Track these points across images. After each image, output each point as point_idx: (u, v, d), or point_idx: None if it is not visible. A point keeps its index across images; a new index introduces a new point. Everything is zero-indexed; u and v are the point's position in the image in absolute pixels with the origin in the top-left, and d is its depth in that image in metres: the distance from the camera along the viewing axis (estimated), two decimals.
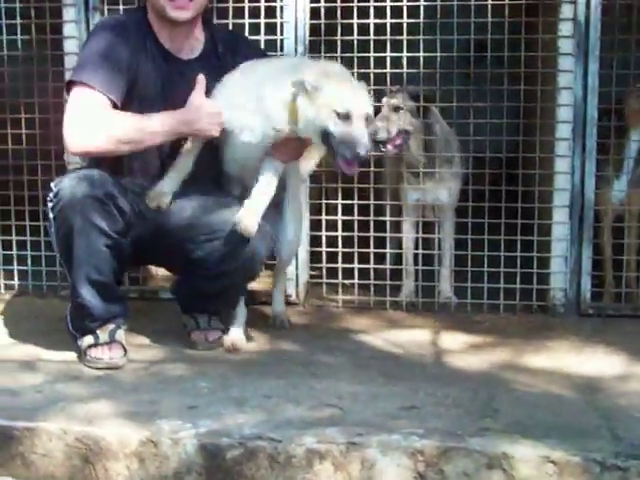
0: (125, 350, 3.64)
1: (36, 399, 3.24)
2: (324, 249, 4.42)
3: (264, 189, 3.56)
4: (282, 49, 4.32)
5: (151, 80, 3.64)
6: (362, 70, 4.25)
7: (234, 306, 3.86)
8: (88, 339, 3.63)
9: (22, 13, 4.56)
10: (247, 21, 4.30)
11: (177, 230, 3.63)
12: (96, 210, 3.44)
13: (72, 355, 3.71)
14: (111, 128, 3.46)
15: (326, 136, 3.38)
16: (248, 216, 3.50)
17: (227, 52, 3.74)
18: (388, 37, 4.28)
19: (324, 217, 4.49)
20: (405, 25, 4.27)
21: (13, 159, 4.69)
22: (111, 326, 3.65)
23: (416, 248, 4.48)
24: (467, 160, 4.61)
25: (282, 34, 4.31)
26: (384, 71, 4.30)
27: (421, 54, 4.28)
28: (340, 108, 3.34)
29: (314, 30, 4.36)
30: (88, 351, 3.61)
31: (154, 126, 3.48)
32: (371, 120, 3.49)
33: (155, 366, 3.61)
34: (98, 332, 3.62)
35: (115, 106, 3.52)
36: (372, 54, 4.29)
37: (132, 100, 3.60)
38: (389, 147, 4.34)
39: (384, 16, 4.26)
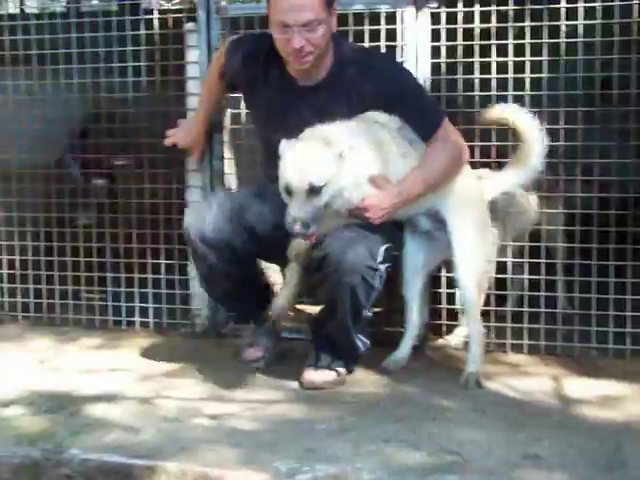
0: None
1: (156, 438, 3.27)
2: (444, 290, 4.34)
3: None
4: None
5: (273, 107, 3.79)
6: (484, 109, 4.20)
7: (352, 346, 3.83)
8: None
9: (146, 55, 4.66)
10: None
11: None
12: (206, 248, 3.81)
13: (193, 393, 3.75)
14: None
15: None
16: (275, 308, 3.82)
17: (357, 75, 3.71)
18: (510, 75, 4.20)
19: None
20: (528, 63, 4.19)
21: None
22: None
23: (537, 290, 4.36)
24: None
25: None
26: None
27: (544, 92, 4.20)
28: (282, 180, 3.43)
29: (435, 69, 4.32)
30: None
31: None
32: (320, 189, 3.38)
33: (273, 406, 3.60)
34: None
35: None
36: (494, 93, 4.22)
37: (257, 122, 4.01)
38: None
39: (506, 54, 4.20)
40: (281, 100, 3.80)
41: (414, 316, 4.08)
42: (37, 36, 4.81)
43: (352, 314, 3.69)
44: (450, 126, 3.82)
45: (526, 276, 4.45)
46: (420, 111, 3.71)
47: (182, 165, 4.60)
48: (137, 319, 4.76)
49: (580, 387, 3.80)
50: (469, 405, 3.59)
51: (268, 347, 4.13)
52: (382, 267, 3.64)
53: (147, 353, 4.37)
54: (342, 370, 3.86)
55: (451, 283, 4.33)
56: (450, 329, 4.41)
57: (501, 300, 4.47)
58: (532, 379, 3.93)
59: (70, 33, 4.77)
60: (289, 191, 3.40)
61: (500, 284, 4.45)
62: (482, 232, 3.91)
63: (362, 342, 3.86)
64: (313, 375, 3.82)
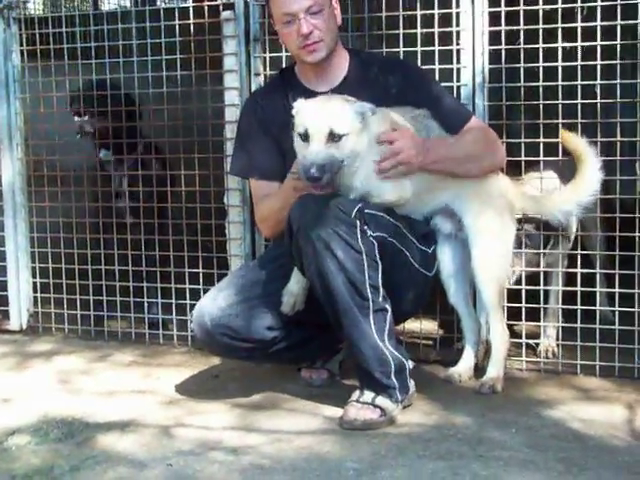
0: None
1: (163, 475, 2.93)
2: (505, 304, 3.86)
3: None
4: (459, 79, 3.87)
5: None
6: (549, 102, 3.75)
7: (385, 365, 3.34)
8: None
9: (181, 48, 4.31)
10: (420, 49, 3.90)
11: None
12: (217, 347, 3.64)
13: (218, 420, 3.41)
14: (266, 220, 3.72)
15: None
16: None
17: (380, 72, 3.62)
18: (579, 63, 3.72)
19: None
20: (599, 48, 3.70)
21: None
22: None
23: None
24: None
25: (459, 62, 3.86)
26: (575, 102, 3.75)
27: (618, 81, 3.71)
28: (299, 128, 3.22)
29: (494, 56, 3.87)
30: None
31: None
32: (340, 138, 3.17)
33: (301, 438, 3.21)
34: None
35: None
36: (560, 82, 3.75)
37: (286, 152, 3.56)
38: None
39: (574, 39, 3.71)
40: None
41: (469, 322, 3.84)
42: None
43: (350, 291, 3.24)
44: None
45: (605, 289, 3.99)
46: (450, 102, 3.63)
47: (221, 167, 4.25)
48: (175, 333, 4.43)
49: None
50: (524, 440, 3.14)
51: (334, 373, 3.87)
52: (364, 227, 3.25)
53: (179, 372, 4.04)
54: (391, 407, 3.35)
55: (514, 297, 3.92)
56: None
57: (570, 315, 3.99)
58: (601, 407, 3.46)
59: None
60: (306, 135, 3.18)
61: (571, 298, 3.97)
62: (502, 233, 3.65)
63: (391, 352, 3.34)
64: (353, 412, 3.33)
